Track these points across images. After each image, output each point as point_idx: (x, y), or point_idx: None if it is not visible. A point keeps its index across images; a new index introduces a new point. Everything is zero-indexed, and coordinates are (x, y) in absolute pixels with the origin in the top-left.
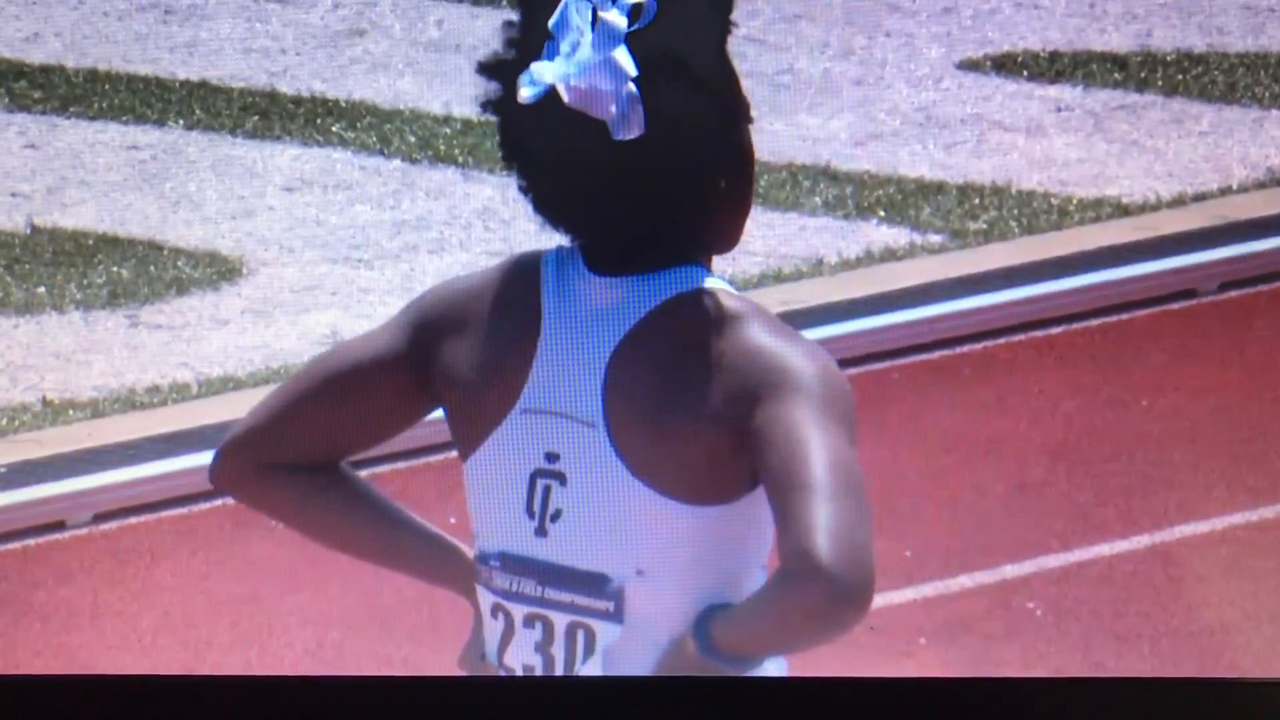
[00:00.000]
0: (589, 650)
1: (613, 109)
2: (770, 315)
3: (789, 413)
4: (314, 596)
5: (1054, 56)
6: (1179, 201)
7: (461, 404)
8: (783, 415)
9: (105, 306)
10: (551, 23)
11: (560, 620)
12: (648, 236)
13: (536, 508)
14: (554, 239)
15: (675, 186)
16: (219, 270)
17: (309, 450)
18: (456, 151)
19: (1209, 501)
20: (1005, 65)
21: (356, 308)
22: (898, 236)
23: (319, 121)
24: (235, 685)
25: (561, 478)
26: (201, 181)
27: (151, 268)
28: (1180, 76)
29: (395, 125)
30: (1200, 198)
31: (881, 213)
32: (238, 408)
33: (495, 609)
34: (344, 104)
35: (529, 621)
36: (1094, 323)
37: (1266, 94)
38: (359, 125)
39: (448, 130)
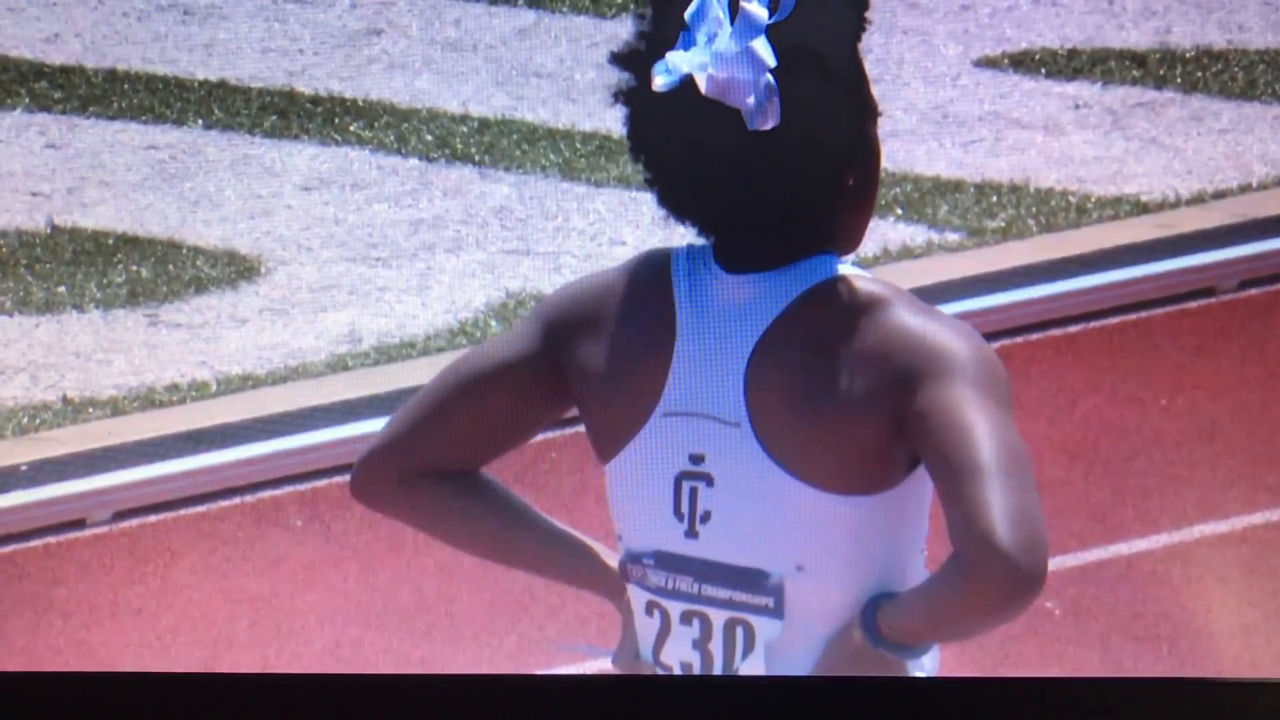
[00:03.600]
0: (749, 647)
1: (750, 99)
2: (912, 297)
3: (950, 395)
4: (332, 594)
5: (1072, 54)
6: (1198, 199)
7: (599, 408)
8: (944, 398)
9: (125, 305)
10: (688, 13)
11: (718, 617)
12: (777, 230)
13: (685, 510)
14: (561, 237)
15: (805, 179)
16: (237, 269)
17: (449, 456)
18: (473, 150)
19: (1228, 500)
20: (1023, 62)
21: (374, 306)
22: (915, 234)
23: (336, 121)
24: (253, 683)
25: (708, 479)
26: (220, 181)
27: (170, 267)
28: (1199, 73)
29: (412, 124)
30: (1220, 195)
31: (899, 211)
32: (257, 406)
33: (650, 606)
34: (361, 103)
35: (686, 619)
36: (1112, 321)
37: None
38: (376, 124)
39: (464, 129)
